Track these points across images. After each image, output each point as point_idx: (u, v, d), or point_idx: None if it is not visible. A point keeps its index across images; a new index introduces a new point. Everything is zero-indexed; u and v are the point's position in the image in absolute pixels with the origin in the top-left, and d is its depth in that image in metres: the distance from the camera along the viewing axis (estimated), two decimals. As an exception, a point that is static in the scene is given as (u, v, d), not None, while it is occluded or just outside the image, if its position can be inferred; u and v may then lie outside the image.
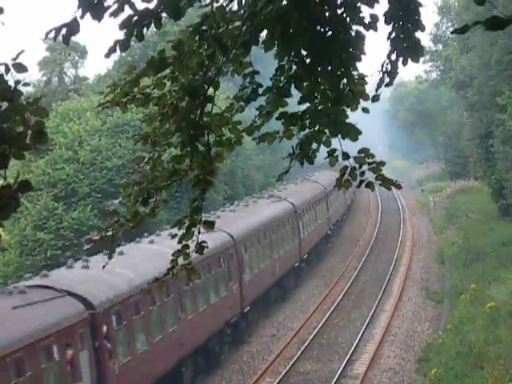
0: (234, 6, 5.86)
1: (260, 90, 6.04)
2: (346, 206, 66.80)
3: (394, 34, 5.66)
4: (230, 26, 5.66)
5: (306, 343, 29.56)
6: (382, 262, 46.01)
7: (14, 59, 4.33)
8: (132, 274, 22.15)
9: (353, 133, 5.90)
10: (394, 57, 5.72)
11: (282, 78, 5.92)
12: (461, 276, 37.42)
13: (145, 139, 6.22)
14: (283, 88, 5.93)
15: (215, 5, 5.73)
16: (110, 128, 44.16)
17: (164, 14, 5.36)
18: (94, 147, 42.57)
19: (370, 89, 5.81)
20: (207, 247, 6.58)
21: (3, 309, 17.78)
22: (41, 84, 70.17)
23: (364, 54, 5.68)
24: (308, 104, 5.93)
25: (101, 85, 64.62)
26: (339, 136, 5.94)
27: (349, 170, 6.03)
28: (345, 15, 5.64)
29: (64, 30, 4.86)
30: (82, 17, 4.87)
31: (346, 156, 5.98)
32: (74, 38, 5.11)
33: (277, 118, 6.00)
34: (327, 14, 5.62)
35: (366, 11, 5.65)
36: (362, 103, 5.91)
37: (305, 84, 5.83)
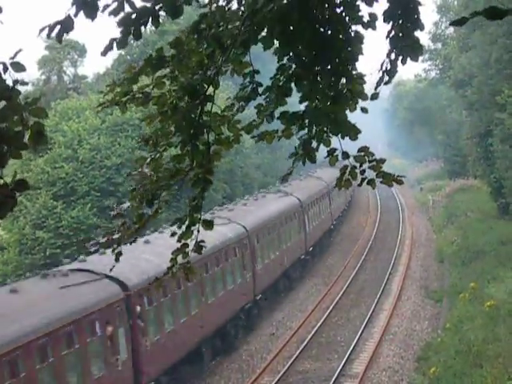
0: (234, 6, 5.85)
1: (260, 89, 6.03)
2: (347, 202, 68.65)
3: (393, 33, 5.65)
4: (230, 26, 5.65)
5: (305, 342, 29.56)
6: (381, 261, 46.02)
7: (12, 58, 4.31)
8: (158, 260, 22.69)
9: (352, 132, 5.90)
10: (393, 56, 5.72)
11: (282, 77, 5.92)
12: (460, 275, 37.42)
13: (146, 141, 6.22)
14: (283, 87, 5.93)
15: (214, 4, 5.73)
16: (109, 127, 44.14)
17: (162, 13, 5.36)
18: (94, 146, 42.56)
19: (368, 87, 5.81)
20: (205, 247, 6.59)
21: (52, 289, 19.95)
22: (40, 83, 70.16)
23: (362, 53, 5.68)
24: (308, 103, 5.93)
25: (100, 83, 64.64)
26: (339, 135, 5.94)
27: (349, 169, 6.02)
28: (344, 14, 5.64)
29: (58, 28, 4.84)
30: (75, 15, 4.86)
31: (345, 155, 5.98)
32: (73, 37, 5.12)
33: (278, 118, 5.99)
34: (327, 13, 5.62)
35: (364, 10, 5.65)
36: (361, 103, 5.91)
37: (304, 83, 5.83)
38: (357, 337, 29.68)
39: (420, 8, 5.63)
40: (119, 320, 21.20)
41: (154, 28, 5.38)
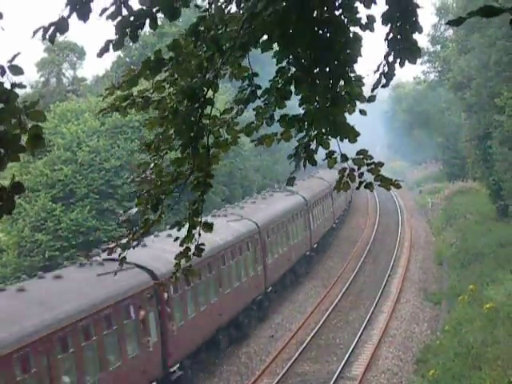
0: (233, 9, 5.86)
1: (259, 92, 6.04)
2: (347, 202, 70.59)
3: (391, 36, 5.65)
4: (229, 29, 5.65)
5: (304, 344, 29.55)
6: (380, 263, 46.01)
7: (10, 61, 4.31)
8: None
9: (351, 134, 5.90)
10: (390, 58, 5.72)
11: (281, 80, 5.92)
12: (459, 277, 37.39)
13: (148, 146, 6.24)
14: (282, 90, 5.93)
15: (213, 7, 5.73)
16: (108, 129, 44.14)
17: (161, 15, 5.36)
18: (93, 148, 42.55)
19: (366, 90, 5.81)
20: (204, 250, 6.62)
21: (91, 276, 21.65)
22: (39, 85, 70.11)
23: (360, 55, 5.68)
24: (307, 105, 5.92)
25: (99, 86, 64.62)
26: (337, 138, 5.94)
27: (347, 171, 6.02)
28: (343, 17, 5.64)
29: (52, 29, 4.84)
30: (69, 16, 4.85)
31: (344, 158, 5.98)
32: (72, 39, 5.11)
33: (277, 121, 5.99)
34: (326, 15, 5.62)
35: (363, 12, 5.65)
36: (360, 105, 5.91)
37: (304, 85, 5.83)
38: (356, 339, 29.66)
39: (419, 10, 5.64)
40: (150, 305, 22.93)
41: (152, 30, 5.39)
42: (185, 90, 5.82)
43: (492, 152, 45.29)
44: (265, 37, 5.66)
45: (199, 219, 6.42)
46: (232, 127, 6.15)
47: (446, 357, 24.49)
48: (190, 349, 25.48)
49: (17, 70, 4.31)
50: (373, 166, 5.91)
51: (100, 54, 5.39)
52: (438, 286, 39.12)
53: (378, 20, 5.62)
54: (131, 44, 57.74)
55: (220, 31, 5.66)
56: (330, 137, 5.99)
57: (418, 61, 5.78)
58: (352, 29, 5.65)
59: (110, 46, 5.31)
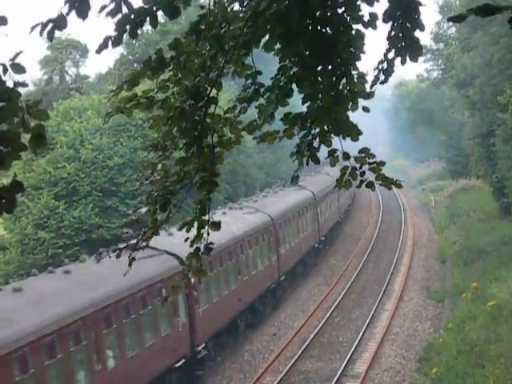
0: (236, 7, 5.84)
1: (262, 90, 6.03)
2: (351, 197, 72.77)
3: (393, 33, 5.64)
4: (232, 27, 5.65)
5: (307, 342, 29.55)
6: (383, 261, 46.01)
7: (12, 60, 4.30)
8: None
9: (354, 133, 5.89)
10: (391, 55, 5.71)
11: (283, 78, 5.91)
12: (462, 275, 37.40)
13: (155, 146, 6.25)
14: (284, 87, 5.92)
15: (216, 5, 5.72)
16: (111, 127, 44.07)
17: (162, 13, 5.35)
18: (96, 146, 42.53)
19: (366, 87, 5.80)
20: (212, 249, 6.65)
21: (125, 260, 21.73)
22: (42, 83, 70.17)
23: (364, 53, 5.67)
24: (310, 103, 5.91)
25: (102, 83, 64.67)
26: (340, 136, 5.94)
27: (349, 170, 6.02)
28: (345, 14, 5.63)
29: (50, 26, 4.83)
30: (67, 13, 4.84)
31: (346, 156, 5.97)
32: (75, 37, 5.10)
33: (281, 120, 5.99)
34: (328, 13, 5.61)
35: (365, 10, 5.64)
36: (363, 102, 5.89)
37: (306, 83, 5.82)
38: (359, 337, 29.67)
39: (421, 8, 5.62)
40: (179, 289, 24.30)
41: (153, 28, 5.39)
42: (189, 89, 5.82)
43: (495, 150, 45.26)
44: (267, 36, 5.66)
45: (207, 218, 6.43)
46: (235, 126, 6.15)
47: (449, 355, 24.49)
48: (213, 330, 27.54)
49: (19, 69, 4.31)
50: (374, 165, 5.91)
51: (99, 51, 5.37)
52: (441, 283, 39.11)
53: (381, 18, 5.61)
54: (134, 42, 57.76)
55: (223, 30, 5.65)
56: (332, 135, 5.98)
57: (421, 59, 5.79)
58: (354, 26, 5.64)
59: (109, 43, 5.30)
